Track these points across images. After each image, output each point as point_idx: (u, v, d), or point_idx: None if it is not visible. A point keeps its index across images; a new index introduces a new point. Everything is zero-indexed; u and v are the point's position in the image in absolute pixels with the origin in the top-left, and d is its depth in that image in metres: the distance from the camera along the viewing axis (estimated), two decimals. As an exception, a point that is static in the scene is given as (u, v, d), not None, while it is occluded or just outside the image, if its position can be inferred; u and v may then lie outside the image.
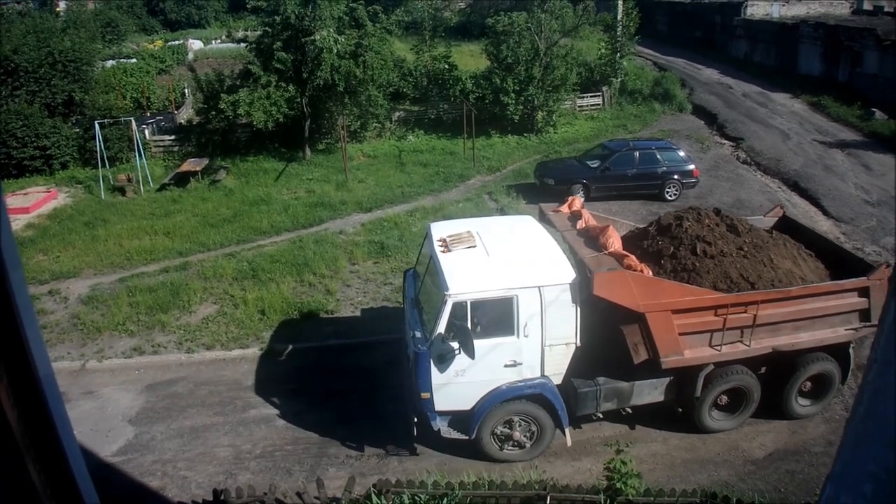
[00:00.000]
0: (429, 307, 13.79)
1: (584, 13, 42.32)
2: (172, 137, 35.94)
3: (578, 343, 13.12)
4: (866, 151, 35.72)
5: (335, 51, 31.49)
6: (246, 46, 35.56)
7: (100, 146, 30.16)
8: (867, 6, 72.70)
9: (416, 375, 12.92)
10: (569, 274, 12.95)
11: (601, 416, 14.61)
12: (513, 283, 12.76)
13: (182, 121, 39.02)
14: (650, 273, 13.55)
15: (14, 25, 40.15)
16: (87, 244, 24.38)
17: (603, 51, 45.26)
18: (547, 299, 12.75)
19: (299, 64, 32.61)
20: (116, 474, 13.42)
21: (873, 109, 41.58)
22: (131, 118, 32.56)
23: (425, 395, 12.91)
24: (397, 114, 38.92)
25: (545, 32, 37.99)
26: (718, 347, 13.58)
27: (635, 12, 45.10)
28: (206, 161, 32.40)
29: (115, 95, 39.84)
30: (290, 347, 17.95)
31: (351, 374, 16.84)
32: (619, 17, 44.80)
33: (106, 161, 30.77)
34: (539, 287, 12.72)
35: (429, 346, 12.58)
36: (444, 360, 12.67)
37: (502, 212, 26.63)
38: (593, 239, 14.39)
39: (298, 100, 33.43)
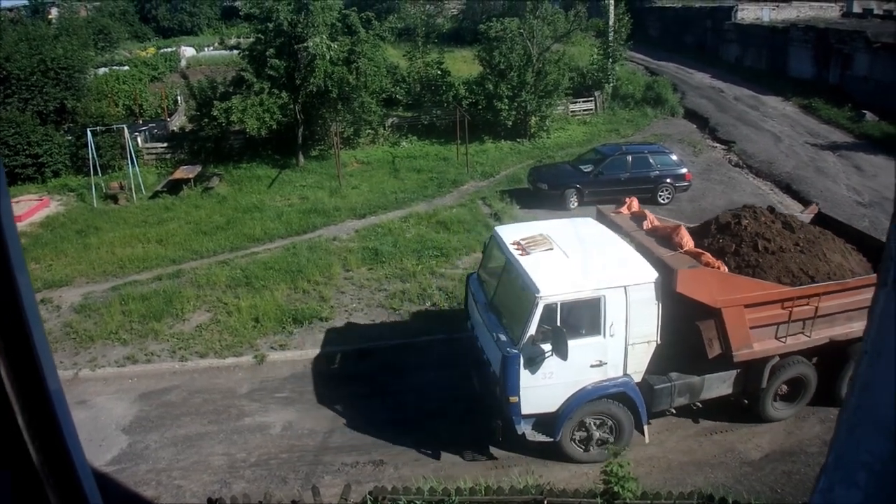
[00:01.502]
0: (509, 311, 13.76)
1: (576, 19, 42.40)
2: (165, 145, 35.88)
3: (658, 341, 13.33)
4: (857, 153, 35.96)
5: (328, 57, 31.51)
6: (239, 53, 35.53)
7: (92, 154, 30.11)
8: (857, 9, 73.04)
9: (503, 379, 12.74)
10: (652, 273, 13.11)
11: (674, 411, 14.76)
12: (600, 283, 12.86)
13: (175, 128, 38.95)
14: (725, 270, 13.94)
15: (6, 33, 39.98)
16: (80, 252, 24.29)
17: (595, 56, 45.46)
18: (632, 298, 12.90)
19: (292, 71, 32.58)
20: (110, 484, 13.31)
21: (864, 111, 41.87)
22: (124, 126, 32.53)
23: (514, 398, 12.79)
24: (390, 120, 38.92)
25: (537, 38, 38.07)
26: (783, 339, 14.00)
27: (626, 18, 45.19)
28: (198, 168, 32.36)
29: (107, 103, 39.77)
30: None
31: (345, 382, 16.78)
32: (611, 22, 44.90)
33: (98, 169, 30.75)
34: (625, 287, 12.87)
35: (519, 349, 12.52)
36: (534, 363, 12.63)
37: (496, 217, 26.63)
38: (665, 238, 14.72)
39: (291, 106, 33.41)
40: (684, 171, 29.07)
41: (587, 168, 28.71)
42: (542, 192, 28.25)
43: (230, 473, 13.74)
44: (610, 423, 13.60)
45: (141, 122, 40.54)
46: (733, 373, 14.25)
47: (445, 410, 15.48)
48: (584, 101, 43.85)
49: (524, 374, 12.61)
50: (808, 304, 13.76)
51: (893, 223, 1.91)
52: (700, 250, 14.13)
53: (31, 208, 28.67)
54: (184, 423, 15.30)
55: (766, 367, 14.14)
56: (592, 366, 12.99)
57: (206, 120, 33.47)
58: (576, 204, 27.97)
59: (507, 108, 36.64)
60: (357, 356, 17.90)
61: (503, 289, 14.37)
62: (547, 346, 12.43)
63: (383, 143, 37.62)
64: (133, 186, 30.34)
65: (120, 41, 67.14)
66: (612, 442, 13.60)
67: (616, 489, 10.46)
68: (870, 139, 38.26)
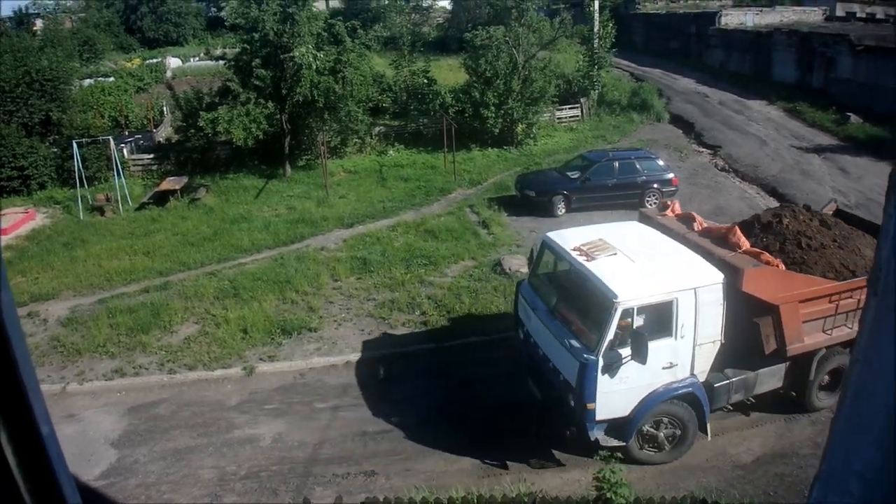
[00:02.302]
0: (578, 317, 13.69)
1: (561, 26, 42.53)
2: (151, 156, 35.75)
3: (723, 340, 13.54)
4: (842, 155, 36.25)
5: (314, 67, 31.50)
6: (225, 64, 35.45)
7: (78, 166, 30.00)
8: (840, 12, 73.54)
9: (580, 386, 12.68)
10: (718, 274, 13.31)
11: (731, 407, 15.01)
12: (672, 286, 13.01)
13: (161, 139, 38.84)
14: (783, 268, 14.31)
15: (-10, 45, 39.87)
16: (66, 265, 24.15)
17: (580, 63, 45.65)
18: (701, 300, 13.09)
19: (278, 80, 32.57)
20: (99, 499, 13.16)
21: (848, 114, 42.24)
22: (109, 137, 32.43)
23: (591, 405, 12.77)
24: (377, 129, 38.92)
25: (523, 46, 38.17)
26: (829, 332, 14.45)
27: (611, 24, 45.44)
28: (185, 179, 32.28)
29: (92, 114, 39.67)
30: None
31: (335, 393, 16.73)
32: (596, 29, 45.11)
33: (84, 181, 30.62)
34: (695, 288, 13.06)
35: (597, 355, 12.50)
36: (611, 368, 12.63)
37: (484, 225, 26.68)
38: (721, 239, 14.92)
39: (278, 116, 33.39)
40: (671, 176, 29.18)
41: (574, 174, 28.77)
42: (530, 198, 28.29)
43: (220, 487, 13.65)
44: (674, 423, 13.75)
45: (127, 133, 40.40)
46: (783, 366, 14.67)
47: (436, 419, 15.46)
48: (570, 108, 44.00)
49: (601, 379, 12.63)
50: (851, 297, 14.17)
51: (881, 236, 1.90)
52: (758, 250, 14.53)
53: (17, 221, 28.52)
54: (173, 437, 15.20)
55: (815, 359, 14.69)
56: (664, 368, 13.13)
57: (192, 131, 33.40)
58: (563, 210, 28.02)
59: (493, 115, 36.71)
60: (345, 368, 17.82)
61: (567, 295, 14.43)
62: (625, 351, 12.49)
63: (370, 153, 37.59)
64: (119, 198, 30.21)
65: (105, 52, 67.04)
66: (677, 442, 13.87)
67: (609, 495, 10.44)
68: (854, 141, 38.58)
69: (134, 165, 35.01)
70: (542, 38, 40.56)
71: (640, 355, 12.16)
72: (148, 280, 22.81)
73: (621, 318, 12.49)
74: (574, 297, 14.18)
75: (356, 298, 21.14)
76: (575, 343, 12.96)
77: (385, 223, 27.48)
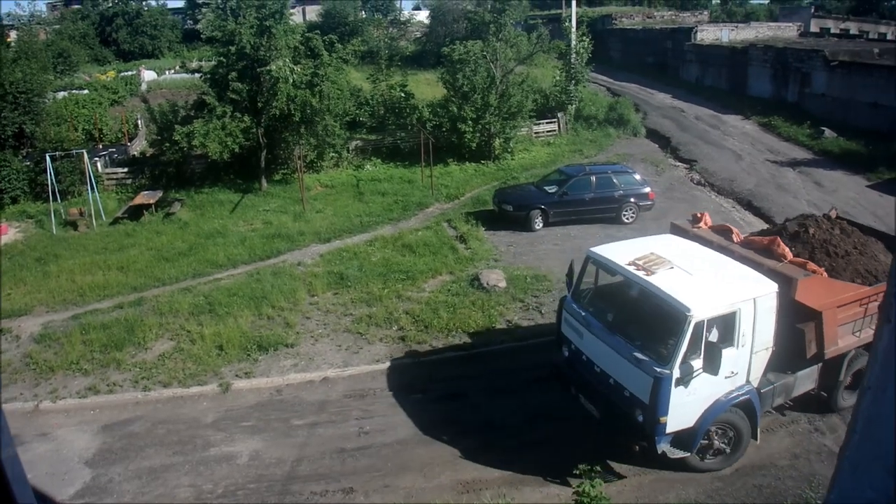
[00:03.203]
0: (642, 331, 13.67)
1: (539, 41, 42.64)
2: (126, 170, 35.45)
3: (774, 347, 13.83)
4: (817, 169, 36.85)
5: (291, 81, 31.43)
6: (200, 77, 35.27)
7: (51, 179, 29.72)
8: (814, 28, 74.56)
9: (655, 400, 12.71)
10: (773, 284, 13.61)
11: (772, 410, 15.31)
12: (736, 297, 13.20)
13: (135, 153, 38.59)
14: (826, 276, 15.22)
15: (-37, 57, 39.50)
16: (39, 280, 23.86)
17: (557, 78, 45.83)
18: (759, 309, 13.31)
19: (255, 94, 32.46)
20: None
21: (823, 128, 43.01)
22: (83, 150, 32.09)
23: (664, 418, 12.80)
24: (354, 143, 38.85)
25: (501, 60, 38.30)
26: (858, 334, 15.06)
27: (588, 39, 45.67)
28: (160, 193, 32.06)
29: (66, 127, 39.32)
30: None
31: (312, 410, 16.59)
32: (573, 44, 45.28)
33: (58, 195, 30.34)
34: (754, 298, 13.28)
35: (671, 369, 12.61)
36: (684, 381, 12.70)
37: (461, 239, 26.67)
38: (764, 250, 15.55)
39: (254, 130, 33.26)
40: (648, 190, 29.40)
41: (552, 189, 28.86)
42: (508, 213, 28.37)
43: (196, 506, 13.50)
44: (730, 431, 13.94)
45: (101, 146, 40.16)
46: (817, 368, 15.19)
47: (416, 435, 15.36)
48: (547, 123, 44.23)
49: (674, 393, 12.69)
50: (877, 301, 14.62)
51: (894, 262, 1.87)
52: (802, 259, 15.35)
53: (-11, 236, 28.19)
54: (148, 455, 15.00)
55: (845, 360, 15.29)
56: (727, 377, 13.23)
57: (167, 144, 33.19)
58: (541, 225, 28.10)
59: (471, 130, 36.77)
60: (321, 384, 17.69)
61: (626, 310, 14.37)
62: (696, 363, 12.62)
63: (347, 167, 37.52)
64: (93, 212, 29.95)
65: (80, 64, 66.67)
66: (731, 449, 14.11)
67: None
68: (829, 155, 39.26)
69: (108, 179, 34.72)
70: (520, 53, 40.70)
71: (713, 367, 12.43)
72: (122, 296, 22.55)
73: (694, 331, 12.59)
74: (634, 312, 14.19)
75: (333, 314, 21.03)
76: (644, 358, 12.97)
77: (362, 238, 27.38)
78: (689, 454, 13.47)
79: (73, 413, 16.67)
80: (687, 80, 65.54)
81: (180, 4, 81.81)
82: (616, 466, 14.18)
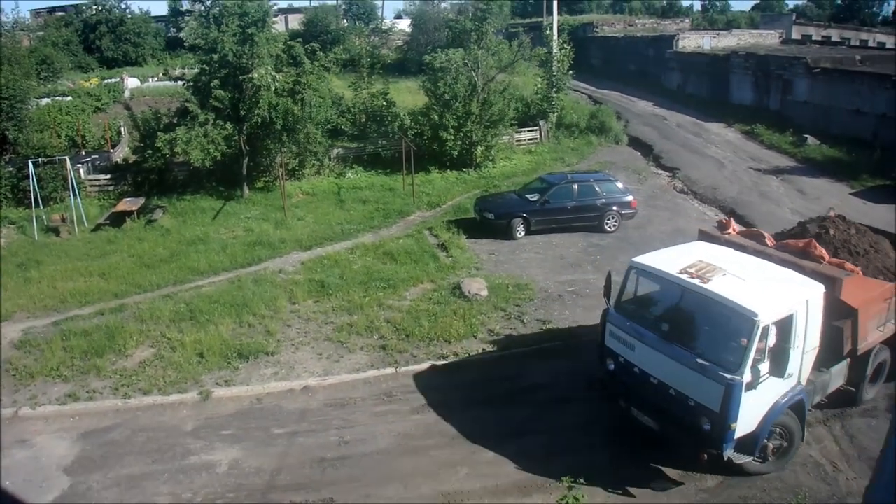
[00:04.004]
0: (703, 339, 13.76)
1: (520, 49, 42.83)
2: (108, 176, 35.40)
3: (819, 346, 14.28)
4: (800, 176, 37.18)
5: (273, 88, 31.52)
6: (183, 84, 35.35)
7: (33, 186, 29.68)
8: (796, 35, 74.98)
9: (726, 407, 12.74)
10: (820, 286, 14.07)
11: (811, 409, 15.38)
12: (792, 299, 13.54)
13: (118, 159, 38.43)
14: (861, 274, 15.45)
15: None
16: (20, 286, 23.81)
17: (539, 86, 45.94)
18: (810, 310, 13.73)
19: (237, 102, 32.48)
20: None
21: (805, 135, 43.29)
22: (66, 157, 32.12)
23: (734, 425, 12.89)
24: (336, 151, 38.90)
25: (482, 69, 38.44)
26: (882, 329, 15.67)
27: (569, 47, 45.81)
28: (142, 200, 32.03)
29: (49, 134, 39.27)
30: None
31: (293, 419, 16.62)
32: (554, 52, 45.44)
33: (40, 201, 30.30)
34: (807, 300, 13.69)
35: (741, 375, 12.67)
36: (753, 386, 12.83)
37: (443, 247, 26.73)
38: (801, 252, 15.82)
39: (236, 137, 33.27)
40: (630, 198, 29.58)
41: (533, 197, 29.00)
42: (489, 221, 28.45)
43: (175, 514, 13.51)
44: (782, 432, 14.15)
45: (84, 153, 40.02)
46: (846, 364, 15.60)
47: (396, 445, 15.41)
48: (529, 131, 44.42)
49: (743, 398, 12.77)
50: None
51: None
52: (839, 260, 15.69)
53: (-30, 242, 28.08)
54: (127, 463, 14.99)
55: (871, 355, 15.78)
56: (784, 379, 13.51)
57: (149, 151, 33.12)
58: (523, 233, 28.22)
59: (452, 138, 36.89)
60: (301, 394, 17.72)
61: (681, 318, 14.26)
62: (762, 367, 12.78)
63: (329, 174, 37.56)
64: (75, 219, 29.90)
65: (63, 71, 66.29)
66: (783, 451, 14.30)
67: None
68: (812, 163, 39.58)
69: (90, 186, 34.65)
70: (501, 61, 40.81)
71: (780, 370, 12.85)
72: (103, 302, 22.52)
73: (760, 335, 12.72)
74: (690, 320, 14.19)
75: (314, 322, 21.06)
76: (711, 366, 12.98)
77: (343, 245, 27.44)
78: (751, 458, 13.66)
79: (53, 420, 16.63)
80: (669, 87, 65.83)
81: (164, 12, 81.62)
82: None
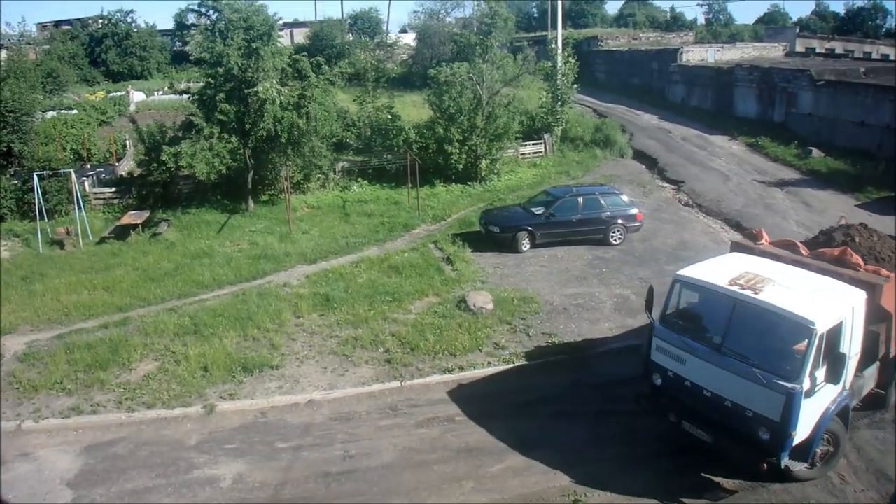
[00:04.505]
0: (758, 350, 13.70)
1: (525, 63, 42.90)
2: (113, 189, 35.43)
3: (860, 352, 14.39)
4: (805, 189, 37.12)
5: (278, 102, 31.51)
6: (188, 98, 35.39)
7: (38, 198, 29.67)
8: (799, 48, 75.06)
9: (787, 416, 12.83)
10: (862, 293, 14.28)
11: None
12: (840, 307, 13.73)
13: (123, 173, 38.49)
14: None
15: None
16: (24, 299, 23.76)
17: (544, 99, 45.98)
18: (856, 317, 13.95)
19: (242, 115, 32.51)
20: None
21: (810, 147, 43.30)
22: (71, 170, 32.09)
23: (794, 433, 13.00)
24: (341, 164, 38.91)
25: (487, 82, 38.43)
26: None
27: (574, 61, 45.90)
28: (147, 213, 32.02)
29: (54, 147, 39.36)
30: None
31: (297, 433, 16.53)
32: (559, 65, 45.51)
33: (45, 214, 30.31)
34: (853, 307, 13.91)
35: (801, 383, 12.79)
36: (811, 394, 12.99)
37: (447, 261, 26.65)
38: (836, 260, 15.96)
39: (241, 151, 33.32)
40: (635, 211, 29.52)
41: (538, 210, 28.95)
42: (494, 234, 28.42)
43: (178, 529, 13.41)
44: (829, 438, 14.26)
45: (89, 166, 40.11)
46: (876, 367, 15.67)
47: (401, 460, 15.31)
48: (533, 144, 44.43)
49: (802, 406, 12.86)
50: None
51: None
52: (875, 266, 15.78)
53: (-26, 255, 28.06)
54: (131, 477, 14.90)
55: None
56: (835, 385, 13.63)
57: (154, 164, 33.15)
58: (528, 246, 28.15)
59: (457, 151, 36.91)
60: (306, 407, 17.64)
61: (736, 329, 14.12)
62: (818, 375, 13.03)
63: (334, 188, 37.58)
64: (80, 232, 29.88)
65: (69, 85, 66.41)
66: (830, 455, 14.40)
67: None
68: (817, 175, 39.56)
69: (95, 199, 34.68)
70: (506, 75, 40.86)
71: (836, 376, 13.00)
72: (107, 315, 22.47)
73: (818, 343, 12.93)
74: (743, 331, 14.07)
75: (319, 335, 20.98)
76: (769, 376, 13.06)
77: (348, 259, 27.38)
78: (806, 465, 13.78)
79: (56, 433, 16.56)
80: (673, 100, 65.86)
81: (169, 26, 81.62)
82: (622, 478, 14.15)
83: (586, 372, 19.18)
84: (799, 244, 17.14)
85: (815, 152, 43.00)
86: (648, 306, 15.92)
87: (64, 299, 23.61)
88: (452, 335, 20.60)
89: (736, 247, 17.62)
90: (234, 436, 16.39)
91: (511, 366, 19.38)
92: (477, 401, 17.68)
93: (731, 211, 33.95)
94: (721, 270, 14.98)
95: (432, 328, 21.08)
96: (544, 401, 17.78)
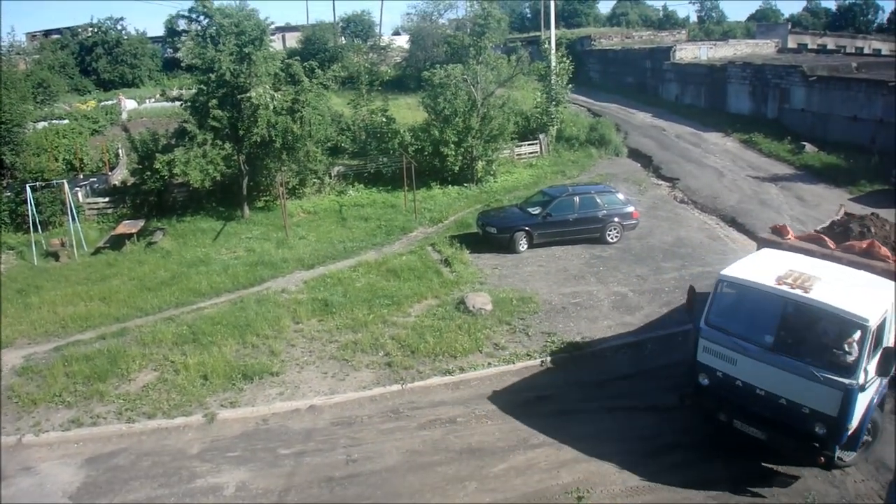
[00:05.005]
0: (810, 347, 13.97)
1: (519, 63, 42.79)
2: (107, 199, 35.30)
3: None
4: (799, 184, 37.31)
5: (271, 107, 31.38)
6: (181, 105, 35.21)
7: (31, 210, 29.54)
8: (792, 44, 75.30)
9: (845, 411, 13.03)
10: (893, 284, 14.55)
11: None
12: (884, 301, 13.93)
13: (116, 182, 38.32)
14: None
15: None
16: (20, 313, 23.62)
17: (538, 99, 46.00)
18: (893, 309, 14.11)
19: (235, 121, 32.38)
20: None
21: (803, 143, 43.48)
22: (64, 180, 31.96)
23: (850, 426, 13.25)
24: (336, 168, 38.85)
25: (481, 83, 38.44)
26: None
27: (567, 61, 45.93)
28: (141, 223, 31.91)
29: (47, 157, 39.21)
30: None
31: (299, 438, 16.43)
32: (553, 66, 45.50)
33: (38, 225, 30.16)
34: (893, 300, 14.11)
35: (856, 378, 13.00)
36: (864, 388, 13.25)
37: (445, 263, 26.57)
38: (865, 253, 16.56)
39: (235, 157, 33.18)
40: (631, 209, 29.49)
41: (535, 210, 28.91)
42: (492, 235, 28.37)
43: (182, 539, 13.30)
44: (869, 426, 14.44)
45: (82, 176, 39.98)
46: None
47: (405, 463, 15.23)
48: (529, 144, 44.48)
49: (857, 400, 13.10)
50: None
51: None
52: None
53: (-31, 268, 27.92)
54: (133, 488, 14.79)
55: None
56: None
57: (148, 173, 33.04)
58: (525, 246, 28.10)
59: (453, 153, 36.85)
60: (308, 413, 17.54)
61: (788, 328, 14.30)
62: (871, 369, 13.25)
63: (330, 192, 37.50)
64: (74, 243, 29.74)
65: (60, 94, 66.41)
66: (870, 443, 14.64)
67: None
68: (810, 170, 39.70)
69: (89, 209, 34.55)
70: (500, 76, 40.82)
71: (886, 369, 13.10)
72: (104, 326, 22.32)
73: (870, 338, 13.17)
74: (798, 330, 14.29)
75: (318, 341, 20.88)
76: (824, 373, 13.24)
77: (346, 263, 27.28)
78: (855, 454, 14.08)
79: (57, 446, 16.44)
80: (667, 98, 65.96)
81: (160, 33, 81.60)
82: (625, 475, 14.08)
83: (587, 370, 19.20)
84: (826, 238, 17.35)
85: (809, 147, 43.18)
86: (690, 307, 16.10)
87: (60, 311, 23.47)
88: (452, 337, 20.53)
89: (764, 243, 17.84)
90: (236, 443, 16.28)
91: (511, 366, 19.30)
92: (478, 401, 17.63)
93: (725, 207, 34.00)
94: (764, 269, 15.12)
95: (432, 330, 20.99)
96: (545, 399, 17.75)
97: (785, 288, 14.14)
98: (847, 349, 13.19)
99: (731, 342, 14.66)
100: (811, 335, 14.09)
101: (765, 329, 14.48)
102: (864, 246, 16.41)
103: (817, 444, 13.48)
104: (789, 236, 17.73)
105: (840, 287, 14.10)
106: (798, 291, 13.94)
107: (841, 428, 13.15)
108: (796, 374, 13.53)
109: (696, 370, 15.48)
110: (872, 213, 19.12)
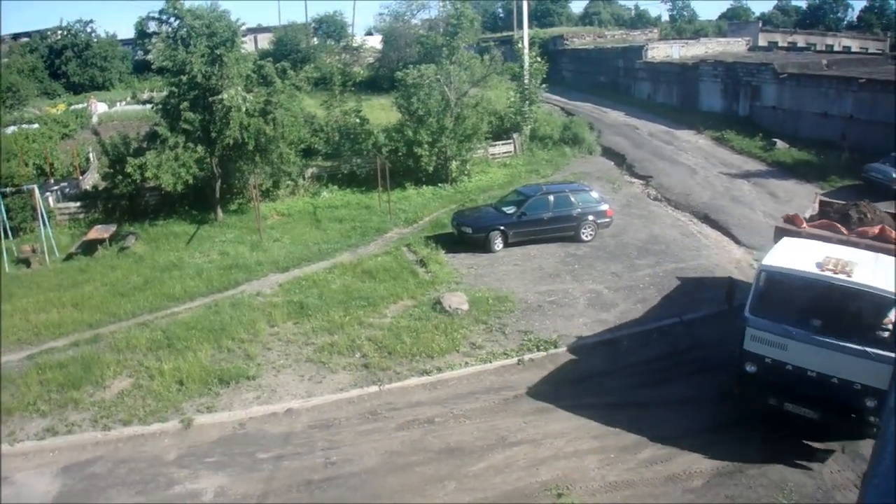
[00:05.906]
0: (858, 330, 14.69)
1: (492, 63, 42.80)
2: (78, 204, 34.94)
3: None
4: (771, 180, 37.81)
5: (244, 109, 31.17)
6: (152, 107, 35.00)
7: (2, 217, 29.19)
8: (762, 42, 76.00)
9: (893, 383, 13.32)
10: None
11: None
12: None
13: (87, 187, 37.99)
14: None
15: None
16: (-8, 320, 23.35)
17: (512, 99, 46.07)
18: None
19: (207, 123, 32.12)
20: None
21: (774, 139, 44.09)
22: (34, 186, 31.50)
23: None
24: (310, 170, 38.69)
25: (455, 83, 38.44)
26: None
27: (541, 60, 46.03)
28: (113, 227, 31.62)
29: (16, 163, 38.73)
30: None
31: (277, 442, 16.35)
32: (526, 65, 45.60)
33: (9, 232, 29.83)
34: None
35: None
36: None
37: (421, 263, 26.54)
38: (878, 237, 17.40)
39: (208, 160, 32.97)
40: (605, 207, 29.63)
41: (510, 210, 28.96)
42: (467, 235, 28.38)
43: (160, 546, 13.20)
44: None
45: (52, 181, 39.48)
46: None
47: (384, 465, 15.18)
48: (503, 144, 44.53)
49: None
50: None
51: None
52: None
53: (-61, 276, 27.56)
54: (110, 496, 14.65)
55: None
56: None
57: (119, 177, 32.66)
58: (501, 246, 28.13)
59: (427, 153, 36.82)
60: (286, 416, 17.45)
61: (834, 311, 15.05)
62: None
63: (304, 194, 37.37)
64: (46, 249, 29.39)
65: (29, 98, 65.83)
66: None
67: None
68: (782, 166, 40.27)
69: (60, 214, 34.18)
70: (474, 76, 40.80)
71: None
72: (78, 333, 22.06)
73: None
74: (844, 312, 15.05)
75: (294, 344, 20.79)
76: (873, 350, 14.10)
77: (321, 265, 27.17)
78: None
79: (32, 456, 16.23)
80: (639, 97, 66.39)
81: (130, 35, 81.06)
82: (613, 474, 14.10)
83: (564, 367, 19.32)
84: (837, 224, 18.28)
85: (780, 144, 43.72)
86: (729, 299, 17.22)
87: (33, 318, 23.17)
88: (429, 337, 20.54)
89: (782, 232, 18.66)
90: (214, 449, 16.17)
91: (488, 365, 19.35)
92: (456, 401, 17.64)
93: (698, 204, 34.26)
94: (800, 257, 15.93)
95: (409, 331, 20.97)
96: (522, 397, 17.83)
97: (829, 273, 14.93)
98: (890, 326, 14.14)
99: (780, 329, 15.31)
100: (856, 316, 14.95)
101: (811, 313, 15.26)
102: (876, 231, 17.28)
103: (871, 418, 14.22)
104: (803, 225, 18.49)
105: (877, 271, 15.03)
106: (842, 276, 14.75)
107: (889, 399, 13.46)
108: (846, 354, 14.36)
109: (742, 359, 15.99)
110: (865, 201, 20.20)
